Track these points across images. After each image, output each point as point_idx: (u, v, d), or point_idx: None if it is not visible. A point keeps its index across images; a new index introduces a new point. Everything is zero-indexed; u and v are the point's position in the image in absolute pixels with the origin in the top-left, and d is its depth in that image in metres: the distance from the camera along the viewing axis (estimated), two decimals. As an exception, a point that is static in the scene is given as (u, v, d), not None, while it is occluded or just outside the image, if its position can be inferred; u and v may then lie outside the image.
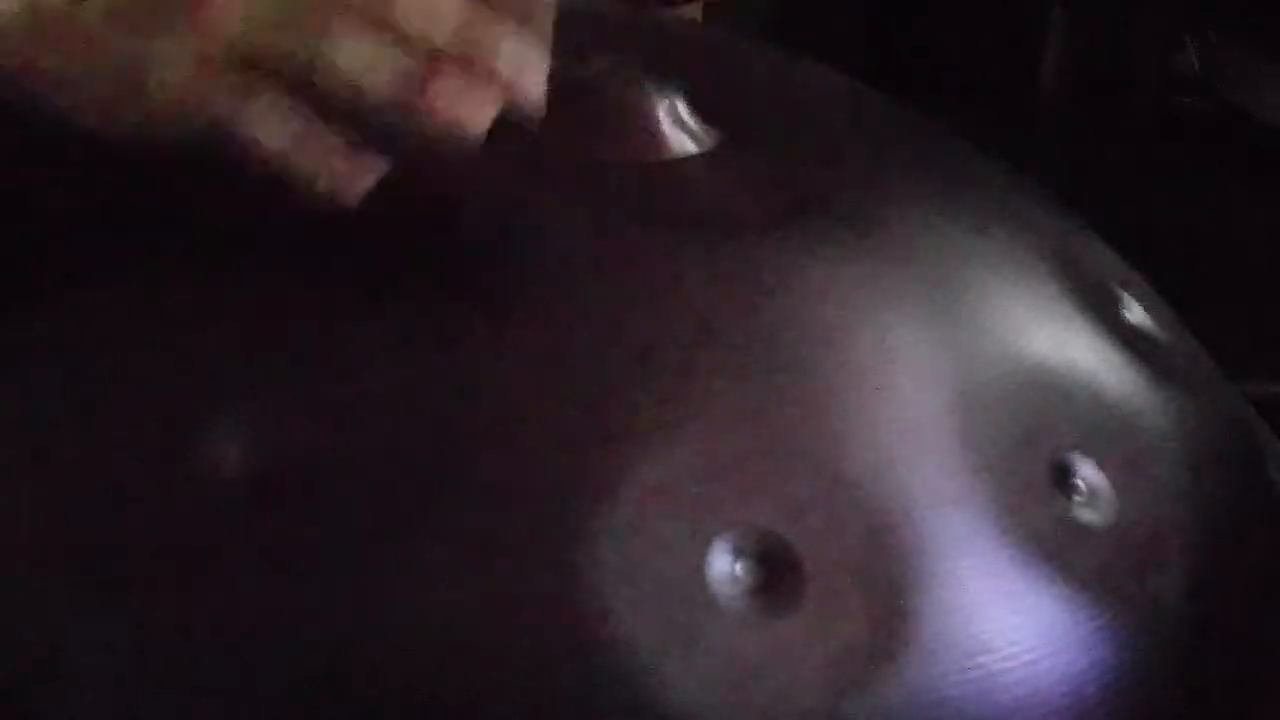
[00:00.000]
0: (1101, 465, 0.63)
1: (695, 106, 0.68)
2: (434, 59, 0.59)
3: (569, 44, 0.72)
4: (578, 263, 0.63)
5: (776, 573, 0.57)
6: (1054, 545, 0.61)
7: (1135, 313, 0.71)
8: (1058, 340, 0.66)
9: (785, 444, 0.59)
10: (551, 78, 0.68)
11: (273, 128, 0.59)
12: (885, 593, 0.58)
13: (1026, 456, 0.62)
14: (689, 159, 0.67)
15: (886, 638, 0.57)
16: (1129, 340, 0.68)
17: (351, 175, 0.60)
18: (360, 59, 0.59)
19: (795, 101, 0.75)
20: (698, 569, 0.56)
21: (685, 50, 0.77)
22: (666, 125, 0.67)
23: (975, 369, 0.63)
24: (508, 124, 0.63)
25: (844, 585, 0.57)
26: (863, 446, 0.60)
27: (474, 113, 0.59)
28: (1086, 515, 0.62)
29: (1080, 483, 0.62)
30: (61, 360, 0.62)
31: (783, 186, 0.68)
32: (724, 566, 0.57)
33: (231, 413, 0.59)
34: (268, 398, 0.59)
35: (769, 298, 0.63)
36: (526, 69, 0.60)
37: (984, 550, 0.60)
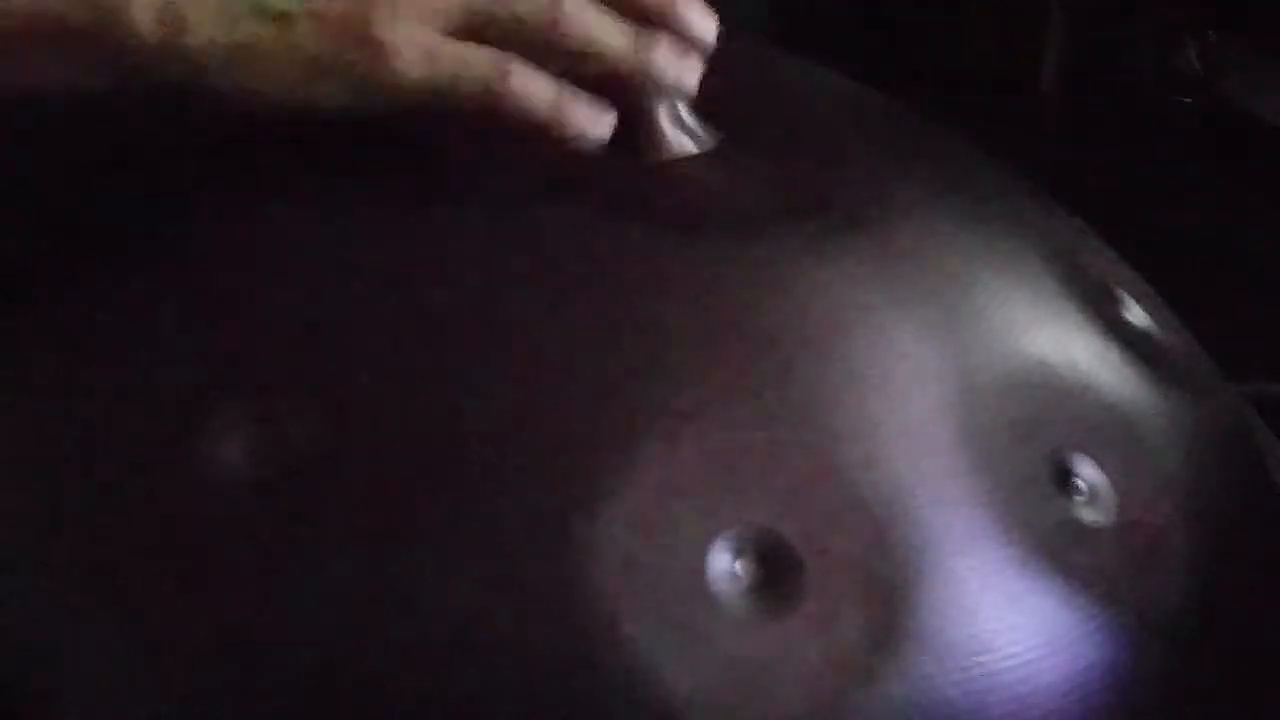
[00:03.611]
0: (1101, 465, 0.63)
1: (695, 106, 0.68)
2: (649, 26, 0.65)
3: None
4: (578, 262, 0.63)
5: (777, 571, 0.57)
6: (1054, 545, 0.61)
7: (1135, 313, 0.71)
8: (1058, 340, 0.66)
9: (785, 443, 0.59)
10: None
11: (538, 90, 0.63)
12: (885, 592, 0.58)
13: (1027, 456, 0.62)
14: (689, 159, 0.67)
15: (886, 637, 0.57)
16: (1129, 340, 0.68)
17: (600, 124, 0.64)
18: (592, 24, 0.64)
19: (795, 101, 0.75)
20: (698, 568, 0.56)
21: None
22: (666, 125, 0.67)
23: (976, 369, 0.63)
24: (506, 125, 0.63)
25: (844, 584, 0.57)
26: (863, 446, 0.60)
27: (690, 72, 0.66)
28: (1086, 515, 0.62)
29: (1080, 482, 0.62)
30: (61, 359, 0.62)
31: (783, 186, 0.67)
32: (724, 565, 0.57)
33: (232, 411, 0.59)
34: (268, 397, 0.59)
35: (769, 297, 0.63)
36: (708, 34, 0.67)
37: (984, 550, 0.60)
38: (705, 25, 0.67)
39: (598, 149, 0.64)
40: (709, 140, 0.68)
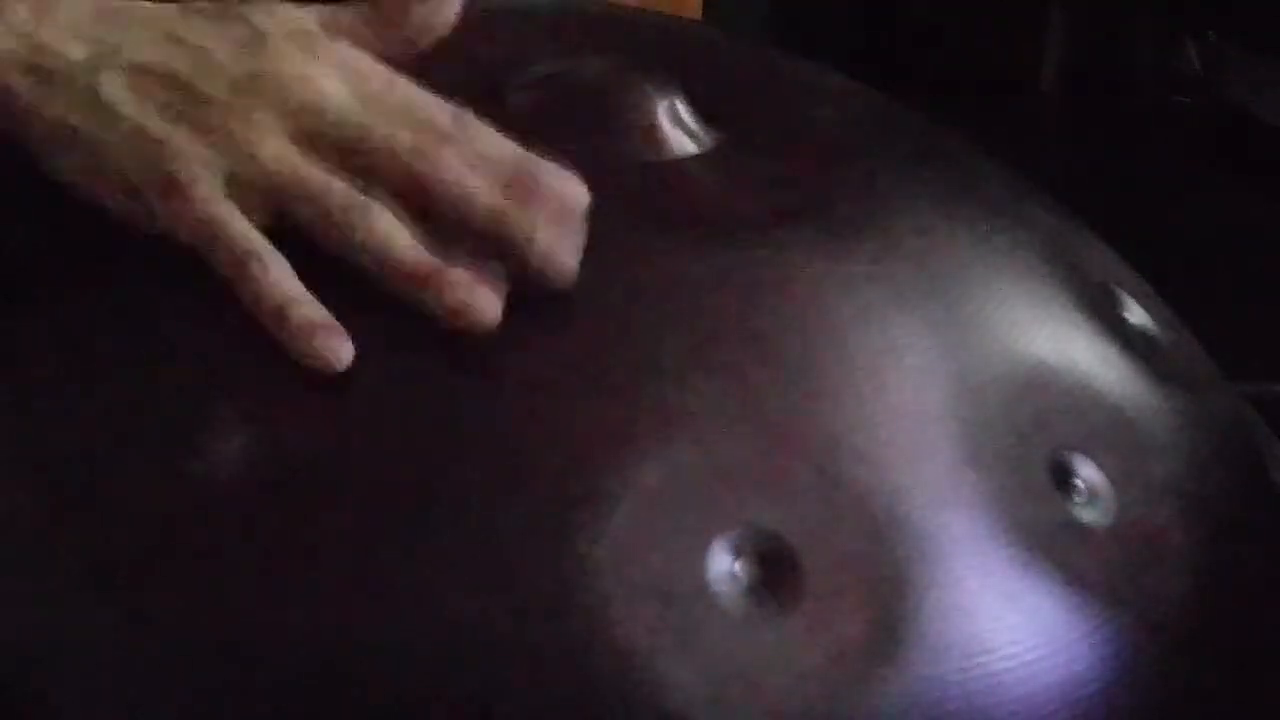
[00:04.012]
0: (1101, 465, 0.63)
1: (695, 106, 0.68)
2: (457, 246, 0.61)
3: (569, 44, 0.72)
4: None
5: (776, 572, 0.57)
6: (1054, 545, 0.61)
7: (1135, 313, 0.71)
8: (1058, 340, 0.66)
9: (785, 444, 0.59)
10: (552, 78, 0.68)
11: (276, 272, 0.60)
12: (885, 592, 0.58)
13: (1026, 456, 0.62)
14: (689, 159, 0.67)
15: (886, 637, 0.57)
16: (1129, 340, 0.68)
17: (331, 338, 0.60)
18: (387, 228, 0.61)
19: (795, 101, 0.75)
20: (697, 568, 0.56)
21: (685, 50, 0.77)
22: (666, 125, 0.67)
23: (975, 369, 0.63)
24: (508, 125, 0.63)
25: (843, 584, 0.57)
26: (863, 446, 0.60)
27: (486, 304, 0.60)
28: (1086, 515, 0.62)
29: (1080, 483, 0.62)
30: (61, 359, 0.62)
31: (783, 187, 0.67)
32: (723, 566, 0.57)
33: (232, 411, 0.59)
34: (268, 398, 0.59)
35: (769, 298, 0.63)
36: (560, 252, 0.61)
37: (984, 550, 0.60)
38: (580, 194, 0.62)
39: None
40: (709, 140, 0.68)
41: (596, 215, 0.63)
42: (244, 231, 0.61)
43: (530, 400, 0.59)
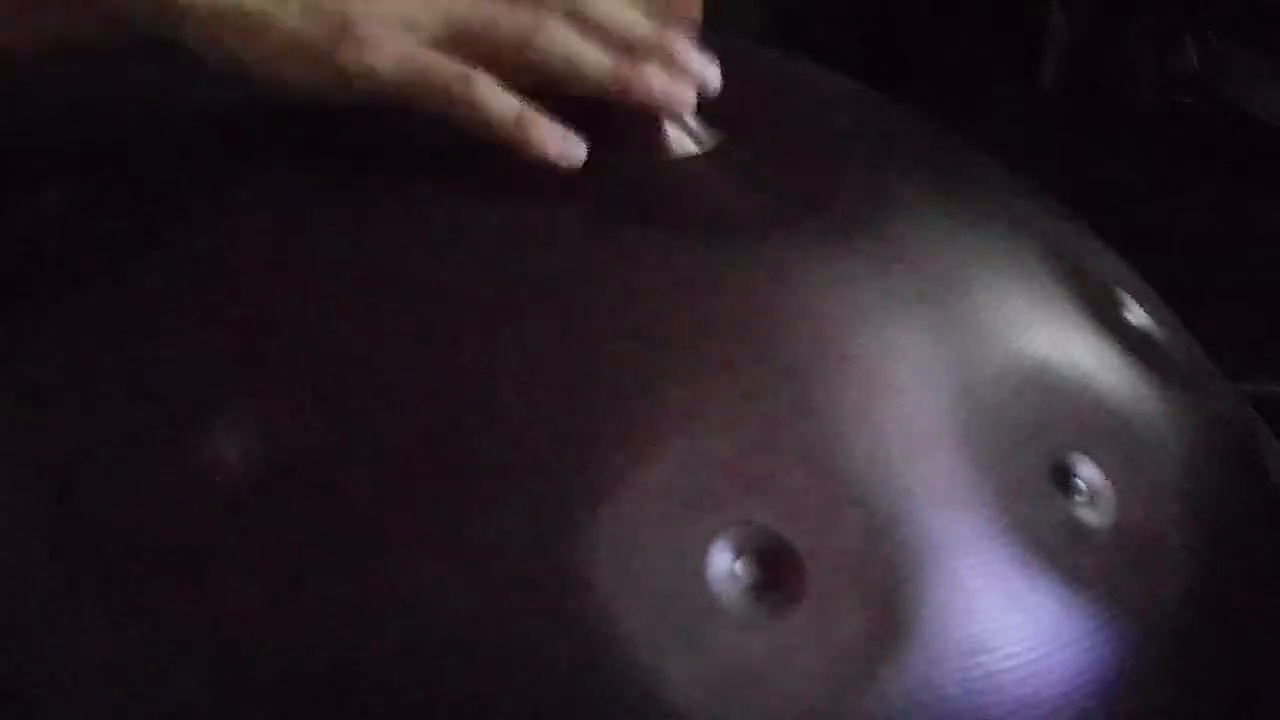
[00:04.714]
0: (1101, 465, 0.63)
1: (695, 107, 0.68)
2: (635, 51, 0.66)
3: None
4: (578, 262, 0.63)
5: (776, 571, 0.57)
6: (1054, 545, 0.61)
7: (1135, 313, 0.71)
8: (1058, 340, 0.66)
9: (785, 443, 0.59)
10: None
11: (499, 103, 0.64)
12: (885, 592, 0.58)
13: (1026, 456, 0.62)
14: (689, 159, 0.67)
15: (886, 637, 0.57)
16: (1129, 340, 0.68)
17: (559, 146, 0.64)
18: (572, 46, 0.65)
19: (795, 102, 0.75)
20: (697, 567, 0.56)
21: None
22: (666, 125, 0.67)
23: (975, 369, 0.63)
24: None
25: (844, 584, 0.57)
26: (863, 446, 0.60)
27: (681, 92, 0.66)
28: (1087, 515, 0.62)
29: (1080, 483, 0.62)
30: (62, 359, 0.62)
31: (783, 187, 0.68)
32: (724, 565, 0.57)
33: (232, 411, 0.59)
34: (268, 398, 0.59)
35: (769, 298, 0.63)
36: (706, 63, 0.67)
37: (984, 550, 0.60)
38: (700, 61, 0.67)
39: (567, 166, 0.64)
40: (709, 140, 0.68)
41: (596, 215, 0.64)
42: (447, 61, 0.64)
43: (530, 399, 0.59)
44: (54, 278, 0.64)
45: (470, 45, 0.65)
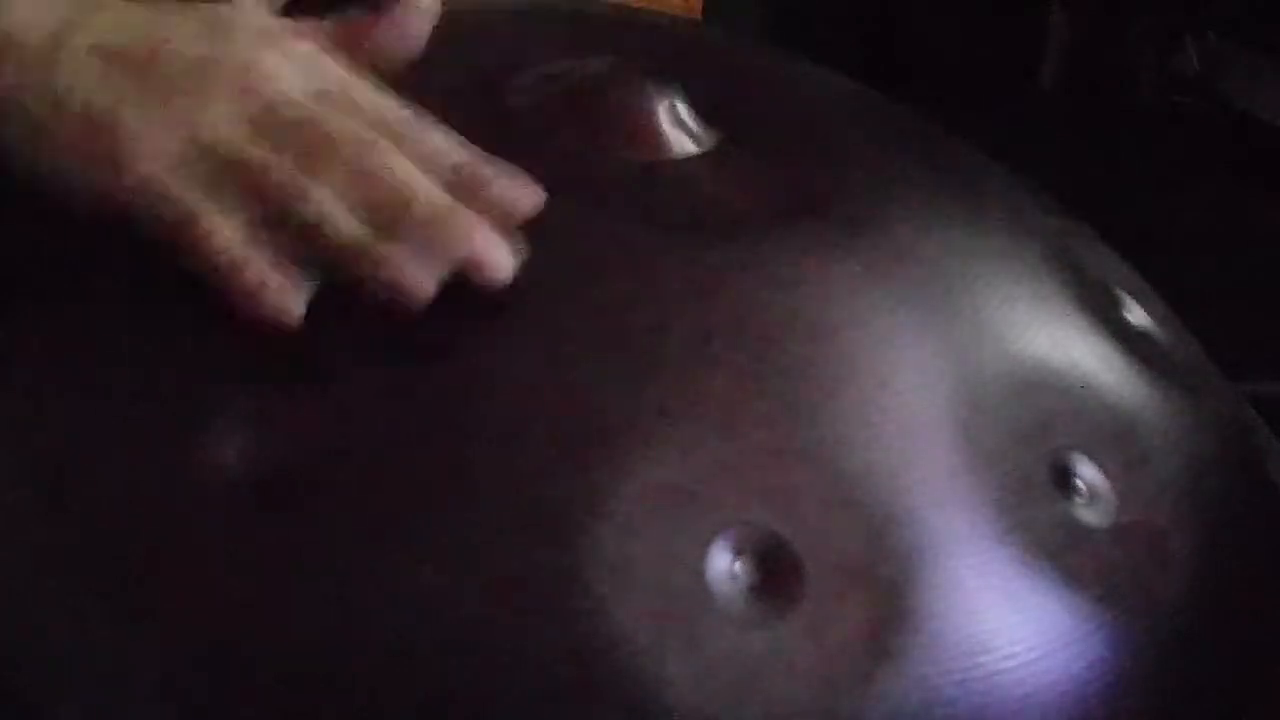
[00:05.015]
0: (1101, 465, 0.63)
1: (695, 106, 0.68)
2: (395, 228, 0.60)
3: (569, 44, 0.72)
4: (578, 262, 0.63)
5: (776, 571, 0.57)
6: (1054, 545, 0.61)
7: (1135, 313, 0.71)
8: (1058, 340, 0.66)
9: (785, 443, 0.59)
10: (552, 79, 0.68)
11: (216, 248, 0.60)
12: (885, 592, 0.58)
13: (1027, 457, 0.62)
14: (689, 159, 0.67)
15: (886, 637, 0.57)
16: (1129, 340, 0.68)
17: (283, 302, 0.60)
18: (330, 208, 0.60)
19: (796, 102, 0.75)
20: (697, 568, 0.56)
21: (685, 50, 0.77)
22: (666, 125, 0.67)
23: (975, 369, 0.63)
24: (508, 125, 0.63)
25: (843, 584, 0.57)
26: (863, 446, 0.60)
27: (418, 281, 0.60)
28: (1087, 515, 0.62)
29: (1080, 483, 0.62)
30: (61, 360, 0.62)
31: (783, 186, 0.67)
32: (723, 565, 0.57)
33: (231, 414, 0.59)
34: (267, 399, 0.59)
35: (769, 298, 0.63)
36: (493, 249, 0.61)
37: (984, 550, 0.60)
38: (528, 197, 0.62)
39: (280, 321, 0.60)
40: (709, 140, 0.68)
41: (596, 215, 0.64)
42: (186, 195, 0.60)
43: (530, 399, 0.59)
44: (54, 278, 0.64)
45: (243, 176, 0.61)
